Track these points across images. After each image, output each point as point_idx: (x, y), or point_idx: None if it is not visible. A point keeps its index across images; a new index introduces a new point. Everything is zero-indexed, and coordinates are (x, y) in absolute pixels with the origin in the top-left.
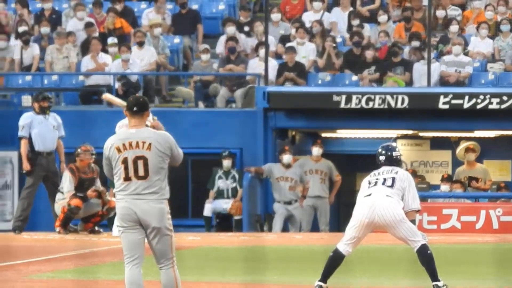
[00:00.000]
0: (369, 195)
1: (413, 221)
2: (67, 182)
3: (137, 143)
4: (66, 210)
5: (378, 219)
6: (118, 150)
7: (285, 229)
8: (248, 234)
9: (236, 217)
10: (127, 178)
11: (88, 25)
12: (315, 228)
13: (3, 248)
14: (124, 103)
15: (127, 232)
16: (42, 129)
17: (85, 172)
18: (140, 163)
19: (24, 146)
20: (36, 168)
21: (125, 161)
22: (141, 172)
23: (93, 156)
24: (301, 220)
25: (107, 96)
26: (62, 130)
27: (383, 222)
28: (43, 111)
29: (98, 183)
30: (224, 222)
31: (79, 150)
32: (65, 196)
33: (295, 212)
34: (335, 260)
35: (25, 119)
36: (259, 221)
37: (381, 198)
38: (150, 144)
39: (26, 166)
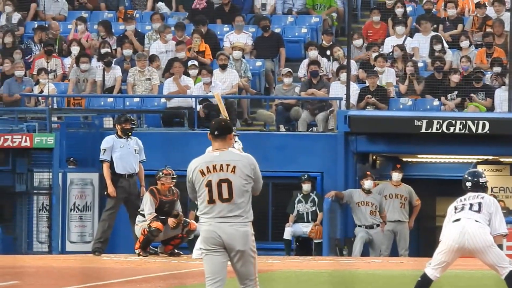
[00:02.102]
0: (458, 220)
1: (499, 246)
2: (148, 204)
3: (221, 166)
4: (147, 232)
5: (468, 244)
6: (202, 173)
7: (364, 253)
8: (327, 258)
9: (316, 241)
10: (211, 201)
11: (179, 43)
12: (394, 252)
13: (83, 270)
14: (226, 114)
15: (211, 254)
16: (124, 153)
17: (165, 194)
18: (225, 186)
19: (106, 169)
20: (117, 191)
21: (209, 184)
22: (225, 195)
23: (174, 181)
24: (380, 245)
25: (218, 95)
26: (143, 154)
27: (473, 248)
28: (125, 133)
29: (178, 205)
30: (304, 246)
31: (160, 173)
32: (146, 218)
33: (375, 236)
34: (423, 285)
35: (107, 142)
36: (338, 245)
37: (470, 223)
38: (234, 167)
39: (112, 192)
